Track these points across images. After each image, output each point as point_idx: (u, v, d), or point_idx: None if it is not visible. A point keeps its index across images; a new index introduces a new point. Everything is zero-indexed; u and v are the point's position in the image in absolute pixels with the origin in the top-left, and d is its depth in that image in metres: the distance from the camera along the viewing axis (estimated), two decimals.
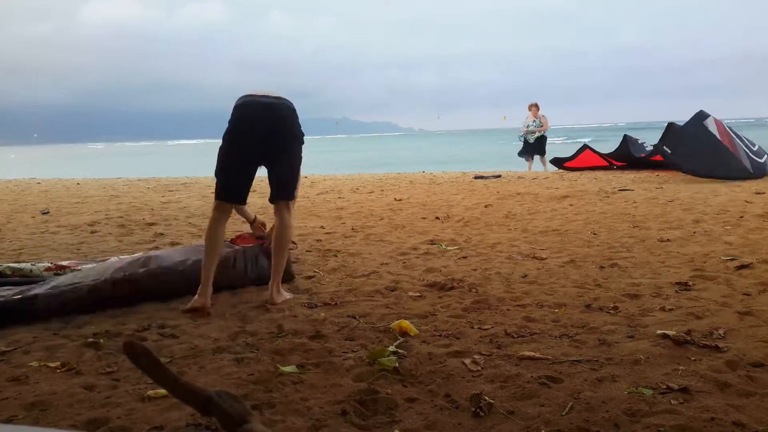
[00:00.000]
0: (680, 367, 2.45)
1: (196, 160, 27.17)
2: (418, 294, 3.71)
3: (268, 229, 4.12)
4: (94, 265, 3.97)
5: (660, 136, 10.71)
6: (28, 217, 7.70)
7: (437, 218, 6.78)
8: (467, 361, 2.58)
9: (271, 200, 3.65)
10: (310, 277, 4.15)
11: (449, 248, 5.12)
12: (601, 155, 13.06)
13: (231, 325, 3.18)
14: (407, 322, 3.03)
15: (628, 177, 10.82)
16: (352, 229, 6.19)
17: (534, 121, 13.82)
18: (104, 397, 2.29)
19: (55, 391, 2.35)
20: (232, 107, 3.54)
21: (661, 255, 4.60)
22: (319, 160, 24.68)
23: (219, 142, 3.56)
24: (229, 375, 2.49)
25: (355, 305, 3.49)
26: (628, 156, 12.40)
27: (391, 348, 2.70)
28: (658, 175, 10.53)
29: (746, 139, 10.83)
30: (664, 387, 2.27)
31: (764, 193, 7.83)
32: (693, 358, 2.54)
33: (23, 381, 2.48)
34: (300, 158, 3.67)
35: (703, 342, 2.71)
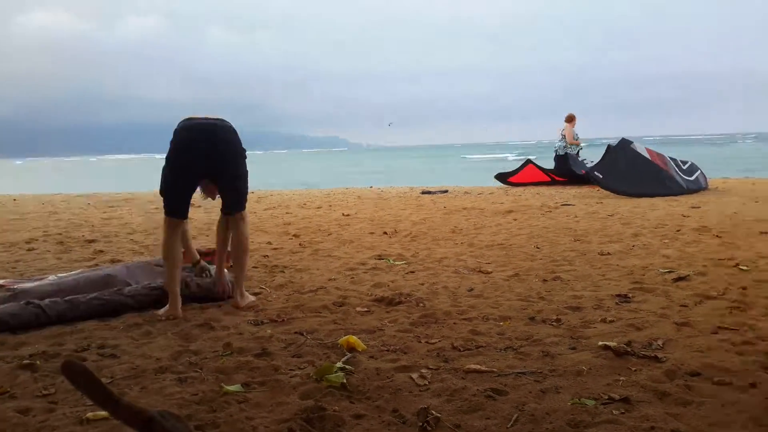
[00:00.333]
0: (621, 378, 2.51)
1: (139, 175, 26.58)
2: (366, 309, 3.71)
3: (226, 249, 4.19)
4: (33, 285, 3.88)
5: (600, 158, 11.00)
6: None
7: (385, 233, 6.80)
8: (415, 375, 2.58)
9: (226, 213, 3.89)
10: (256, 294, 4.10)
11: (397, 263, 5.14)
12: (543, 171, 13.39)
13: (173, 344, 3.11)
14: (355, 337, 3.02)
15: (569, 192, 11.10)
16: (300, 244, 6.15)
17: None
18: (40, 422, 2.20)
19: None
20: (173, 131, 3.68)
21: (601, 268, 4.73)
22: (266, 175, 24.46)
23: (161, 156, 3.69)
24: (171, 395, 2.43)
25: (303, 321, 3.46)
26: (568, 172, 12.74)
27: (339, 364, 2.68)
28: (598, 191, 10.83)
29: (677, 159, 11.29)
30: (606, 397, 2.32)
31: (700, 207, 8.15)
32: (633, 369, 2.61)
33: None
34: (245, 171, 3.83)
35: (643, 353, 2.78)
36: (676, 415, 2.16)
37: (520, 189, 12.33)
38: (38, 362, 2.81)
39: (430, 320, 3.43)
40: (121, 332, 3.29)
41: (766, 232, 5.99)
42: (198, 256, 4.26)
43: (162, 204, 3.74)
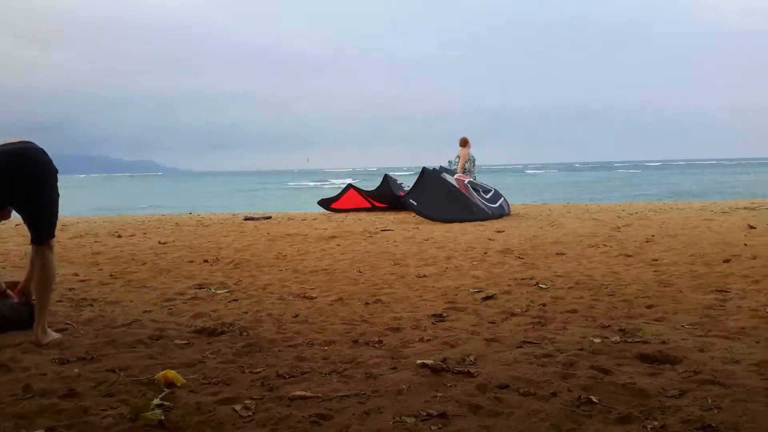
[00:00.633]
0: (438, 394, 2.64)
1: None
2: (186, 341, 3.55)
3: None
4: None
5: (413, 185, 11.56)
6: None
7: (206, 261, 6.58)
8: (238, 407, 2.52)
9: (33, 242, 3.56)
10: (61, 330, 3.76)
11: (219, 291, 5.00)
12: (364, 195, 13.79)
13: None
14: (173, 371, 2.88)
15: (389, 218, 11.53)
16: (111, 275, 5.76)
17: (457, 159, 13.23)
18: None
19: None
20: None
21: (419, 290, 4.96)
22: (73, 200, 22.61)
23: None
24: None
25: (115, 358, 3.23)
26: (388, 193, 13.24)
27: (156, 401, 2.54)
28: (414, 217, 11.37)
29: (482, 186, 12.18)
30: (425, 414, 2.43)
31: (504, 231, 8.85)
32: (449, 385, 2.76)
33: None
34: (51, 200, 3.56)
35: (457, 368, 2.95)
36: (488, 427, 2.31)
37: (342, 215, 12.59)
38: None
39: (254, 349, 3.37)
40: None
41: (561, 253, 6.66)
42: (3, 287, 3.84)
43: None
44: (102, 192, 45.34)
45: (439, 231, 9.04)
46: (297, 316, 4.14)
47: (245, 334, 3.68)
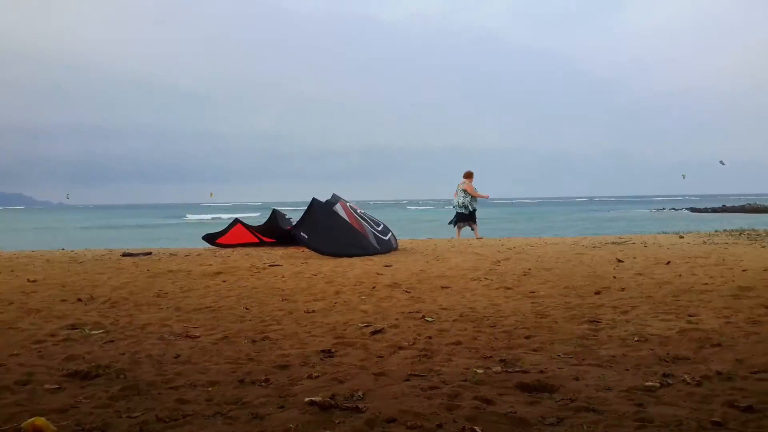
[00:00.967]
0: (326, 431, 2.63)
1: None
2: (57, 386, 3.32)
3: None
4: None
5: (301, 217, 11.53)
6: None
7: (80, 300, 6.21)
8: None
9: None
10: None
11: (94, 332, 4.72)
12: (251, 231, 13.53)
13: None
14: (43, 419, 2.68)
15: (277, 253, 11.39)
16: None
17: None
18: None
19: None
20: None
21: (307, 325, 4.92)
22: None
23: None
24: None
25: None
26: (277, 228, 13.08)
27: None
28: (303, 251, 11.30)
29: (371, 220, 12.36)
30: None
31: (392, 265, 8.98)
32: (337, 421, 2.75)
33: None
34: None
35: (346, 404, 2.95)
36: None
37: (229, 250, 12.28)
38: None
39: (132, 392, 3.21)
40: None
41: (446, 287, 6.84)
42: None
43: None
44: None
45: (328, 265, 9.03)
46: (179, 356, 3.99)
47: (122, 376, 3.50)
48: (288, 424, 2.70)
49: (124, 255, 11.24)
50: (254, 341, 4.40)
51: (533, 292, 6.39)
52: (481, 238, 14.87)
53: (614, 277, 7.26)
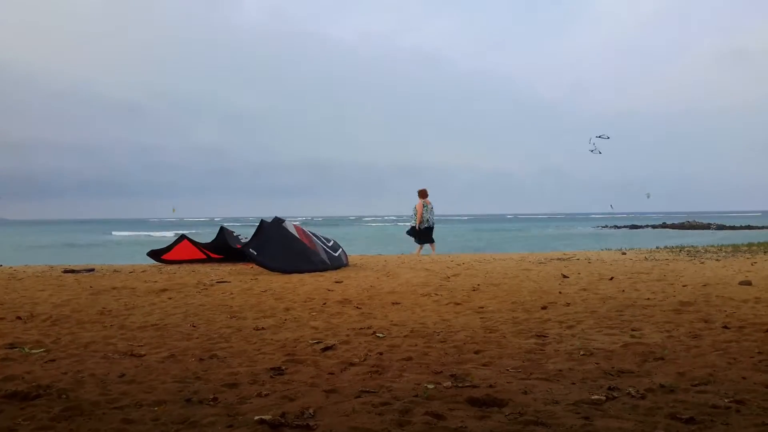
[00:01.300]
0: None
1: None
2: None
3: None
4: None
5: (252, 234, 11.42)
6: None
7: (18, 318, 5.98)
8: None
9: None
10: None
11: (34, 351, 4.55)
12: (198, 247, 13.30)
13: None
14: None
15: (225, 269, 11.22)
16: None
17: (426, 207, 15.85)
18: None
19: None
20: None
21: (257, 343, 4.86)
22: None
23: None
24: None
25: None
26: (225, 246, 12.90)
27: None
28: (252, 268, 11.17)
29: (322, 237, 12.32)
30: None
31: (342, 282, 8.96)
32: None
33: None
34: None
35: (296, 423, 2.92)
36: None
37: (174, 266, 12.03)
38: None
39: (75, 413, 3.10)
40: None
41: (397, 303, 6.86)
42: None
43: None
44: None
45: (277, 282, 8.94)
46: (123, 375, 3.88)
47: (64, 396, 3.38)
48: None
49: (66, 272, 10.90)
50: (202, 359, 4.31)
51: (482, 308, 6.46)
52: (429, 255, 15.04)
53: (560, 293, 7.42)
